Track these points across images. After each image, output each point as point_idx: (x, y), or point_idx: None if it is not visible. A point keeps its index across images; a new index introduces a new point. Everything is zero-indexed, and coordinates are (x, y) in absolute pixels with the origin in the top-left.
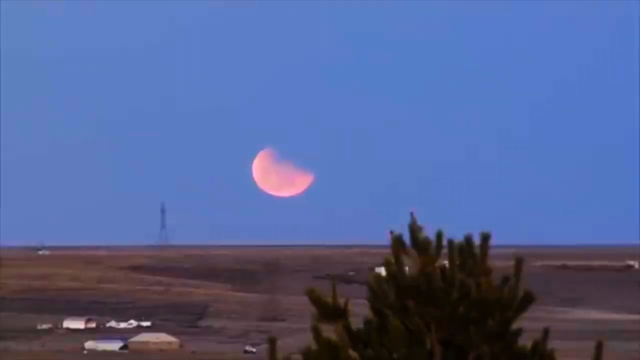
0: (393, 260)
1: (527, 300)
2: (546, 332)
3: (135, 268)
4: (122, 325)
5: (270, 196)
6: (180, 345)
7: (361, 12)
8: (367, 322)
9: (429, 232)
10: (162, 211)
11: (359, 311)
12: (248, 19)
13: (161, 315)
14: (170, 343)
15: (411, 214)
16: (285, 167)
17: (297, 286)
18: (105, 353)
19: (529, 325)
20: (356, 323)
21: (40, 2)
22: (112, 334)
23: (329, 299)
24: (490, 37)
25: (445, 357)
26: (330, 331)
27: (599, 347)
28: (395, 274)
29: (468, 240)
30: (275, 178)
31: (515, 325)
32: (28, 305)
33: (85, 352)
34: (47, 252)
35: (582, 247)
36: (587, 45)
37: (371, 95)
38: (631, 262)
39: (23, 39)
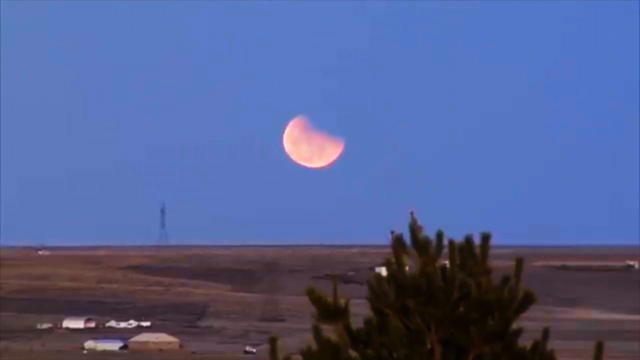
0: (393, 260)
1: (528, 300)
2: (546, 332)
3: (134, 268)
4: (122, 325)
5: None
6: (180, 345)
7: None
8: (367, 322)
9: (429, 232)
10: (162, 211)
11: (359, 311)
12: None
13: (161, 315)
14: (170, 343)
15: (411, 213)
16: (316, 138)
17: (297, 286)
18: (105, 353)
19: (529, 325)
20: (356, 323)
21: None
22: (111, 334)
23: (330, 299)
24: (491, 36)
25: (445, 357)
26: (330, 331)
27: (599, 348)
28: (395, 274)
29: (468, 240)
30: (305, 149)
31: (515, 325)
32: (28, 305)
33: (85, 351)
34: (47, 252)
35: (582, 247)
36: (594, 44)
37: (371, 94)
38: (631, 262)
39: (22, 38)
